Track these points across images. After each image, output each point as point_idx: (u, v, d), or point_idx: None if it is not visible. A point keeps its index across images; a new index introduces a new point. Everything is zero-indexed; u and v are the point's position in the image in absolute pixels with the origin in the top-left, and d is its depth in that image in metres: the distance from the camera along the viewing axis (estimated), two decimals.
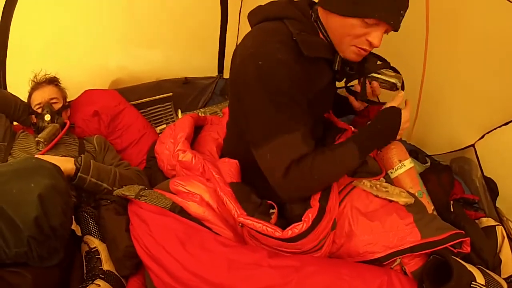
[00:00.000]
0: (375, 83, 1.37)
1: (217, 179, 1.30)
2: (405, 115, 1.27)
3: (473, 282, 1.14)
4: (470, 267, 1.18)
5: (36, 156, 1.59)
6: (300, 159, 1.13)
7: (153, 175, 1.76)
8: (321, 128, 1.49)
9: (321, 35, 1.23)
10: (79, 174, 1.46)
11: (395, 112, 1.26)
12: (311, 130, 1.20)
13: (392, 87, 1.33)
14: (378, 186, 1.37)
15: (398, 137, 1.31)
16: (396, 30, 1.14)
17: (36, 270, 1.07)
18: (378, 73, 1.33)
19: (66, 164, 1.44)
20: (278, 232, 1.14)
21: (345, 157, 1.19)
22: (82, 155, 1.53)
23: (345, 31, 1.14)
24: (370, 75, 1.33)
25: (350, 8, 1.09)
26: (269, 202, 1.27)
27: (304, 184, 1.16)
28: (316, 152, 1.16)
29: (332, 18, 1.14)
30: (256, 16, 1.26)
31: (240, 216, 1.18)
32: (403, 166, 1.53)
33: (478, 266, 1.27)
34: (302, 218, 1.14)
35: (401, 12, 1.10)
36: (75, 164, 1.47)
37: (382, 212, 1.27)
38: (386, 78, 1.33)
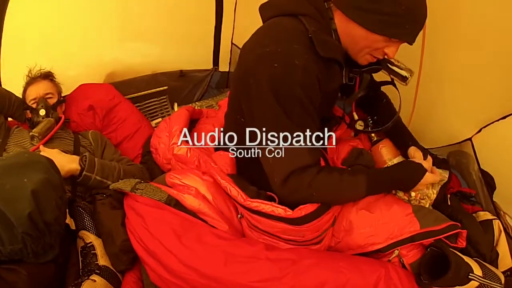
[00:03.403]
0: None
1: (215, 168, 1.29)
2: (427, 178, 1.25)
3: (470, 274, 1.15)
4: (467, 259, 1.19)
5: (31, 150, 1.58)
6: (301, 170, 1.11)
7: (149, 169, 1.75)
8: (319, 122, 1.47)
9: (333, 36, 1.19)
10: (84, 173, 1.49)
11: (421, 171, 1.25)
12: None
13: (403, 79, 1.34)
14: None
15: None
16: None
17: (32, 267, 1.06)
18: (391, 64, 1.33)
19: (71, 164, 1.49)
20: (289, 211, 1.13)
21: (350, 186, 1.17)
22: (87, 154, 1.56)
23: (366, 43, 1.13)
24: (385, 64, 1.32)
25: (379, 27, 1.08)
26: (269, 193, 1.25)
27: (300, 196, 1.14)
28: (322, 168, 1.14)
29: (356, 28, 1.11)
30: (269, 10, 1.22)
31: (246, 200, 1.17)
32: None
33: (476, 258, 1.27)
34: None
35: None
36: (80, 164, 1.50)
37: (381, 203, 1.27)
38: (398, 71, 1.33)
